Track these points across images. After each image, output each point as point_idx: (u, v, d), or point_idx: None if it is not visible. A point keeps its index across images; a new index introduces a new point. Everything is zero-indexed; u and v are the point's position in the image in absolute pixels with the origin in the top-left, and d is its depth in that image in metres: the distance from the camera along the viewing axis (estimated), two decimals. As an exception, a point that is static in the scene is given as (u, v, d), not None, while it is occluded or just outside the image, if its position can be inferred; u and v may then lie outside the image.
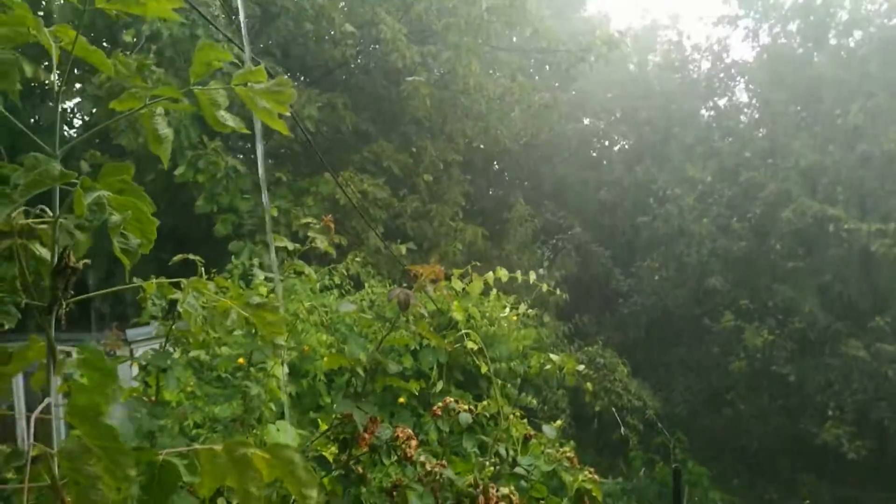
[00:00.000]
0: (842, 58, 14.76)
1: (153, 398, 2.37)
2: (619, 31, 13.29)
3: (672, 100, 16.15)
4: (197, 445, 1.11)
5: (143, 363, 2.48)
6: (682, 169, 14.91)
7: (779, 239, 13.52)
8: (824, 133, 14.20)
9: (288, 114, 1.52)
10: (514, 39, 13.69)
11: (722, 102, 16.75)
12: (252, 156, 11.54)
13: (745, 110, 16.87)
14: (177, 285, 1.80)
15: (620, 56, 17.75)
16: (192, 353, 4.14)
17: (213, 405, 3.85)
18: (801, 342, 13.28)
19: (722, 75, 16.49)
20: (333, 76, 12.92)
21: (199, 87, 1.41)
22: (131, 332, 7.62)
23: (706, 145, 15.40)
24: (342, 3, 12.85)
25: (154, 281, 1.78)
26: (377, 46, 12.52)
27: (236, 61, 1.58)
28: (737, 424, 14.41)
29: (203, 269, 2.65)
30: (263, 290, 5.90)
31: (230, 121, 1.45)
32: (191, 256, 2.71)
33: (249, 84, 1.45)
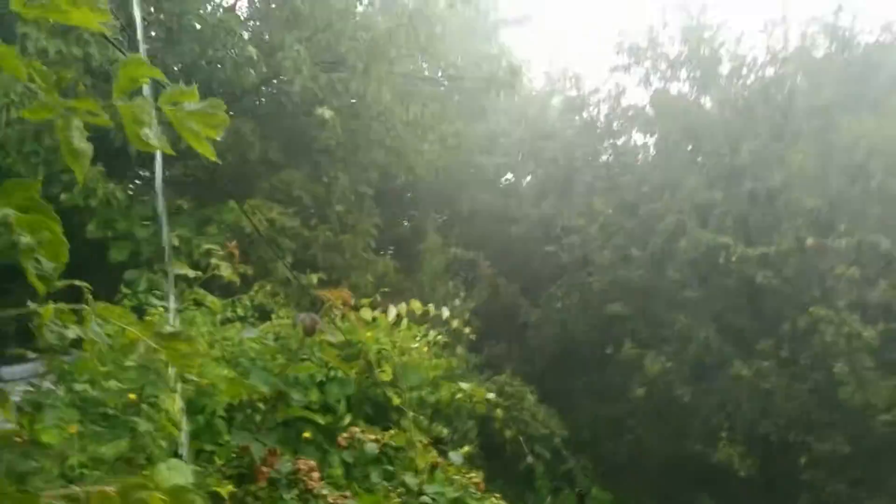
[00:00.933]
0: (728, 102, 16.11)
1: (26, 439, 2.17)
2: (521, 62, 13.88)
3: (574, 140, 17.01)
4: (84, 488, 1.01)
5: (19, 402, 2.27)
6: (586, 203, 15.64)
7: (676, 269, 14.40)
8: (715, 171, 15.37)
9: (218, 138, 1.45)
10: (426, 71, 13.96)
11: (620, 142, 17.80)
12: (152, 181, 11.03)
13: (642, 150, 18.02)
14: (78, 311, 1.65)
15: (525, 99, 18.55)
16: (78, 388, 3.82)
17: (98, 444, 3.56)
18: (696, 368, 14.08)
19: (619, 118, 17.58)
20: (241, 103, 12.66)
21: (125, 103, 1.33)
22: (6, 371, 6.96)
23: (607, 181, 16.27)
24: (249, 24, 12.70)
25: (52, 306, 1.63)
26: (281, 77, 12.41)
27: (166, 81, 1.51)
28: (639, 449, 14.99)
29: (91, 297, 2.46)
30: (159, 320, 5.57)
31: (154, 140, 1.36)
32: (77, 283, 2.52)
33: (179, 104, 1.38)
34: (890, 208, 13.62)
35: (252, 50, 11.14)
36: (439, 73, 14.28)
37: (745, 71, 16.13)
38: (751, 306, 14.23)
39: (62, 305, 1.65)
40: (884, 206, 13.60)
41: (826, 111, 14.72)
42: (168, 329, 1.53)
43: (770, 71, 16.02)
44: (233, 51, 11.57)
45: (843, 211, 13.75)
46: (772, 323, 13.87)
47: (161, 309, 5.66)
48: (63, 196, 8.99)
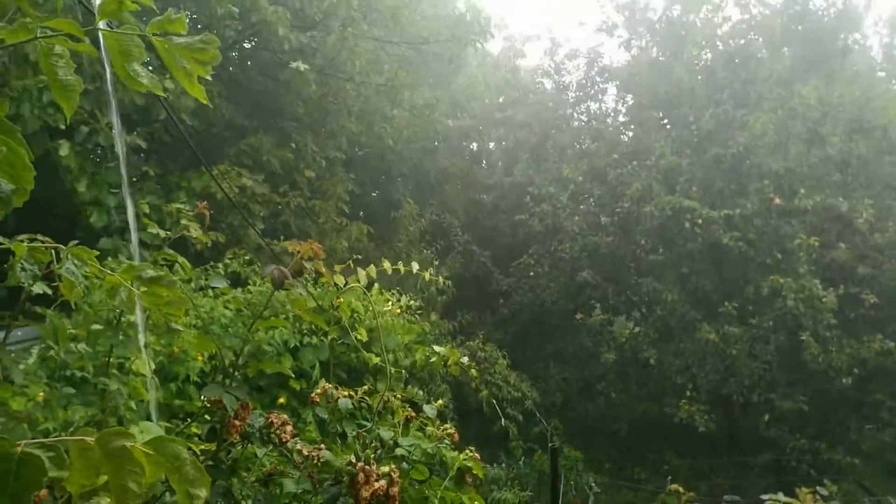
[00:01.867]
0: (695, 69, 16.21)
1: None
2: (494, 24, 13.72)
3: (546, 104, 16.94)
4: (64, 437, 0.98)
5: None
6: (557, 170, 15.69)
7: (643, 235, 14.60)
8: (681, 137, 15.52)
9: (208, 77, 1.35)
10: (395, 36, 13.71)
11: (592, 107, 17.81)
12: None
13: (613, 115, 18.06)
14: (54, 250, 1.55)
15: (496, 62, 18.37)
16: (50, 353, 3.74)
17: (69, 409, 3.52)
18: (663, 330, 14.41)
19: (594, 81, 17.53)
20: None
21: (108, 30, 1.21)
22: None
23: (578, 147, 16.32)
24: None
25: (26, 242, 1.51)
26: (254, 38, 12.07)
27: (153, 7, 1.38)
28: (608, 411, 15.39)
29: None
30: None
31: (144, 78, 1.25)
32: (40, 237, 2.45)
33: (168, 36, 1.27)
34: (848, 173, 13.96)
35: (232, 7, 10.78)
36: (408, 38, 14.03)
37: (714, 40, 16.23)
38: (716, 269, 14.55)
39: (37, 243, 1.56)
40: (842, 172, 13.94)
41: (785, 79, 14.95)
42: (149, 273, 1.45)
43: (735, 41, 16.15)
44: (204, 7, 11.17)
45: (803, 175, 14.04)
46: (736, 286, 14.22)
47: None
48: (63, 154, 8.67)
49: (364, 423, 2.83)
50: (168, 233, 5.66)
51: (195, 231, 5.55)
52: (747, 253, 13.61)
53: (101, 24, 1.27)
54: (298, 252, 2.68)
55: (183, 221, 5.70)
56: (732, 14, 17.22)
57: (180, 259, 6.37)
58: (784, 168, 13.97)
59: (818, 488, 5.10)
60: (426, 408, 2.94)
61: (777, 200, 13.53)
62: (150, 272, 1.47)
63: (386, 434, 2.73)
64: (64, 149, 8.72)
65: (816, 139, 14.12)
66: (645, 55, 17.20)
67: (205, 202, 6.96)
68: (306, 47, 11.18)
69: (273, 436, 2.26)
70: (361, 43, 11.33)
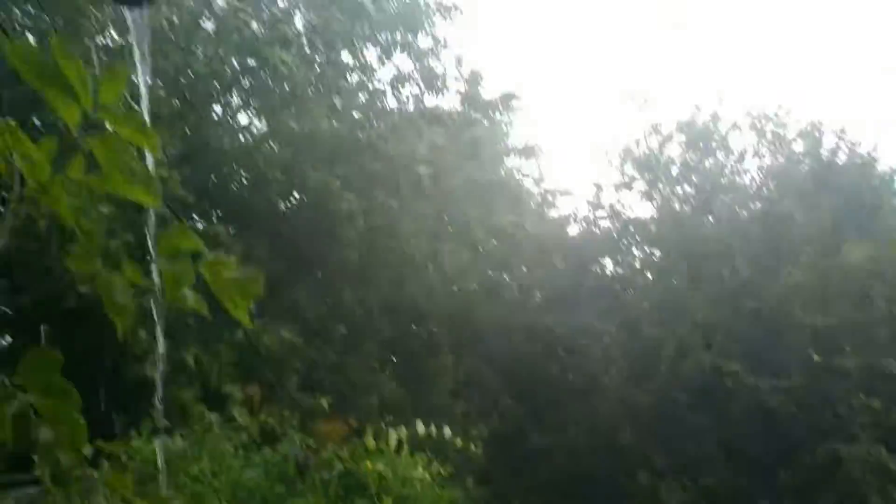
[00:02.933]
0: (724, 222, 16.48)
1: None
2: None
3: (579, 253, 17.23)
4: None
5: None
6: (589, 320, 15.60)
7: (682, 393, 14.08)
8: (715, 290, 15.42)
9: (251, 306, 1.51)
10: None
11: (623, 258, 18.02)
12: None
13: (644, 266, 18.18)
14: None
15: (534, 214, 19.06)
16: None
17: None
18: (713, 499, 13.39)
19: (621, 233, 17.90)
20: (255, 221, 13.02)
21: (166, 266, 1.41)
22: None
23: (610, 297, 16.31)
24: (273, 149, 13.30)
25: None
26: (299, 195, 12.78)
27: (204, 251, 1.61)
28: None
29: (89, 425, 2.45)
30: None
31: (191, 301, 1.44)
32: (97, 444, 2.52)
33: (218, 272, 1.43)
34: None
35: (278, 174, 11.64)
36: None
37: (740, 192, 16.67)
38: (764, 433, 13.76)
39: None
40: (891, 329, 13.53)
41: (819, 236, 15.04)
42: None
43: (763, 193, 16.56)
44: (253, 172, 12.07)
45: (848, 332, 13.65)
46: (788, 452, 13.35)
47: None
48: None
49: None
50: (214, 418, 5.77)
51: (242, 416, 5.68)
52: (797, 415, 12.95)
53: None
54: (324, 434, 2.70)
55: (234, 411, 5.84)
56: (752, 167, 17.80)
57: (214, 424, 6.38)
58: (826, 325, 13.65)
59: None
60: None
61: (816, 357, 13.09)
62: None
63: None
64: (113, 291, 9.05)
65: (863, 298, 13.87)
66: (668, 208, 17.61)
67: (256, 389, 7.11)
68: (352, 214, 11.78)
69: None
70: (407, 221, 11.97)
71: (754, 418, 13.59)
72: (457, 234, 13.70)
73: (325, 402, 10.07)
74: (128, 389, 8.95)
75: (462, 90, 13.93)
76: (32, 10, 10.16)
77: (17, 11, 10.02)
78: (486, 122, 14.52)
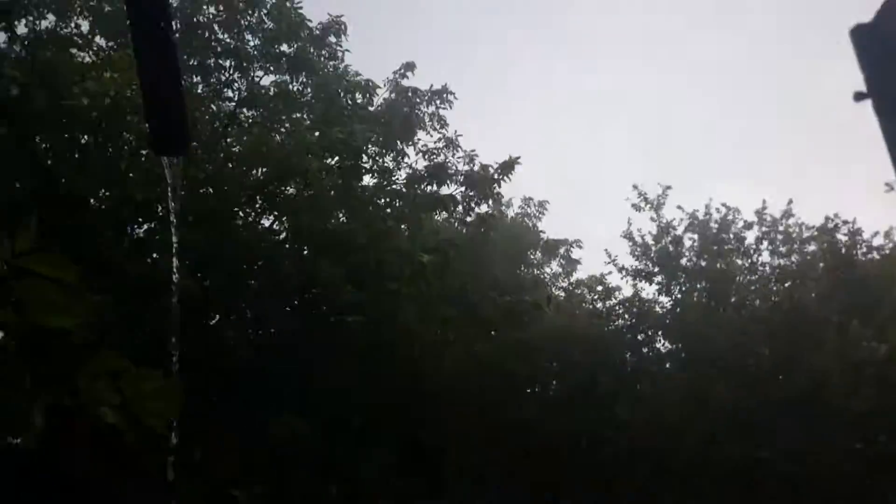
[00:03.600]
0: (743, 313, 16.27)
1: None
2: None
3: (599, 346, 17.04)
4: None
5: None
6: (612, 412, 15.21)
7: (709, 483, 13.42)
8: (740, 379, 14.98)
9: (176, 418, 1.67)
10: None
11: (644, 350, 17.75)
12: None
13: (666, 358, 17.85)
14: None
15: (554, 307, 19.06)
16: None
17: None
18: None
19: (642, 326, 17.74)
20: (272, 319, 13.32)
21: (90, 385, 1.55)
22: None
23: (632, 389, 15.95)
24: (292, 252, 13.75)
25: None
26: (313, 289, 13.09)
27: (132, 370, 1.82)
28: None
29: None
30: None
31: (112, 418, 1.57)
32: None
33: (139, 386, 1.58)
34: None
35: (292, 269, 12.03)
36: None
37: (756, 285, 16.57)
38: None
39: None
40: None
41: (838, 323, 14.75)
42: None
43: (779, 286, 16.45)
44: (268, 269, 12.49)
45: (884, 418, 13.04)
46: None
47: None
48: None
49: None
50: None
51: None
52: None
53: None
54: None
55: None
56: (769, 261, 17.78)
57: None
58: (860, 411, 13.08)
59: None
60: None
61: (858, 445, 12.47)
62: None
63: None
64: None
65: (892, 383, 13.37)
66: (688, 300, 17.52)
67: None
68: (360, 301, 12.01)
69: None
70: (415, 303, 12.14)
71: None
72: (468, 317, 13.64)
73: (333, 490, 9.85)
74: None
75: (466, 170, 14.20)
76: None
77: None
78: (490, 208, 14.61)
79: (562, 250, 20.01)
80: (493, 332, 14.67)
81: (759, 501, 12.96)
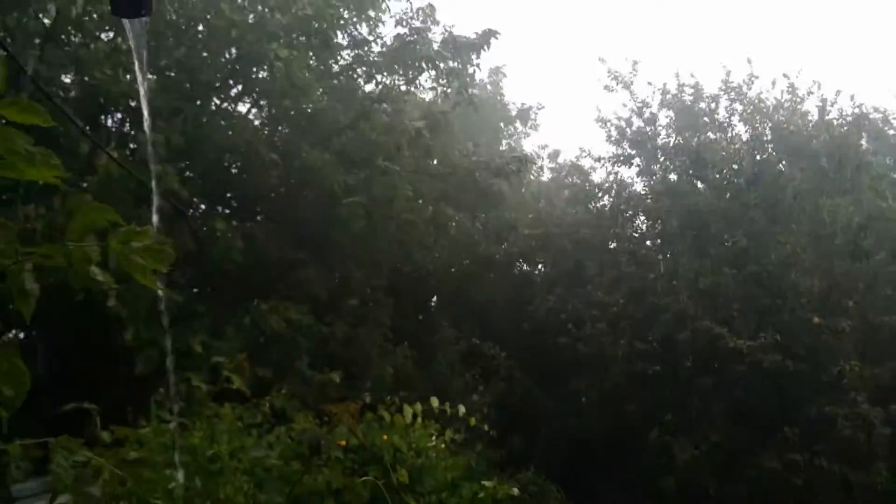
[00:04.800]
0: (721, 189, 16.56)
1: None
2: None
3: (581, 230, 17.37)
4: None
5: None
6: (595, 294, 15.78)
7: (688, 356, 14.28)
8: (717, 256, 15.54)
9: (165, 272, 1.57)
10: (435, 162, 14.45)
11: (626, 231, 18.15)
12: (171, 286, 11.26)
13: (647, 238, 18.32)
14: (44, 445, 1.76)
15: (535, 189, 19.17)
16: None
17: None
18: (721, 457, 13.68)
19: (623, 207, 18.03)
20: (256, 206, 13.12)
21: (76, 245, 1.45)
22: (17, 488, 6.89)
23: (615, 270, 16.45)
24: (272, 135, 13.36)
25: (18, 443, 1.72)
26: (298, 176, 12.87)
27: (121, 222, 1.64)
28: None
29: (98, 418, 2.57)
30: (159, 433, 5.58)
31: (101, 276, 1.48)
32: (85, 405, 2.64)
33: (129, 243, 1.47)
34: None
35: (274, 156, 11.70)
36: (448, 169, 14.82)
37: (735, 160, 16.74)
38: (770, 391, 14.00)
39: (28, 441, 1.77)
40: (892, 287, 13.66)
41: (812, 194, 15.12)
42: (132, 456, 1.63)
43: (753, 158, 16.63)
44: (249, 157, 12.12)
45: (849, 290, 13.78)
46: (794, 407, 13.61)
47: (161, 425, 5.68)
48: (111, 304, 9.19)
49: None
50: (210, 385, 5.88)
51: (236, 381, 5.74)
52: (800, 371, 13.17)
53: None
54: (335, 413, 2.80)
55: (224, 373, 5.92)
56: (742, 132, 17.93)
57: (222, 411, 6.48)
58: (826, 285, 13.79)
59: None
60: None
61: (817, 320, 13.24)
62: (134, 454, 1.67)
63: None
64: (111, 300, 9.20)
65: (858, 252, 13.97)
66: (666, 181, 17.75)
67: (244, 354, 7.14)
68: (352, 187, 11.88)
69: None
70: (402, 185, 12.03)
71: (756, 379, 13.82)
72: (460, 202, 13.73)
73: (336, 377, 10.21)
74: (136, 381, 9.10)
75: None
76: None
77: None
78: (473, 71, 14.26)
79: (531, 116, 20.16)
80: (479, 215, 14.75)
81: (732, 374, 13.86)
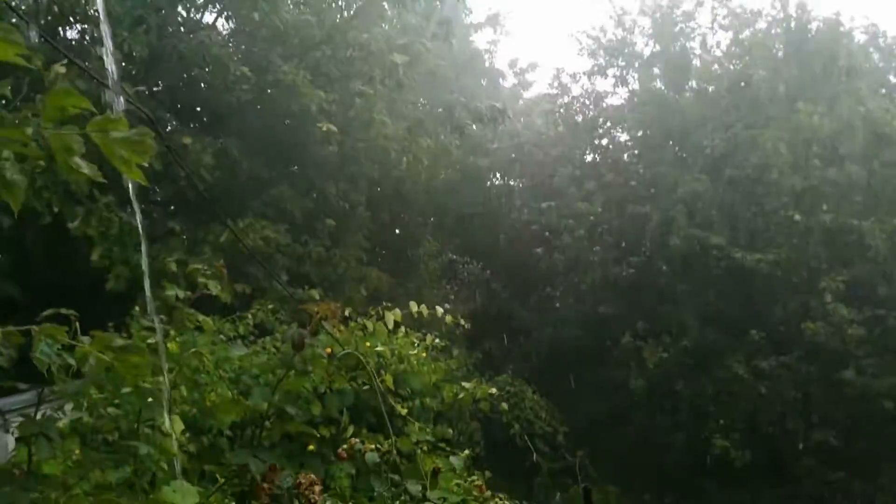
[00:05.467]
0: (700, 96, 16.33)
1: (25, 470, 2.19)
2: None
3: (559, 144, 17.17)
4: None
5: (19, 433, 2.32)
6: (574, 205, 15.78)
7: (664, 262, 14.50)
8: (696, 163, 15.51)
9: (146, 164, 1.47)
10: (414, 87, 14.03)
11: (605, 142, 18.00)
12: (143, 206, 10.99)
13: (627, 148, 18.21)
14: (27, 333, 1.68)
15: (511, 102, 18.77)
16: (73, 417, 3.83)
17: (101, 471, 3.57)
18: (690, 359, 14.20)
19: (601, 119, 17.80)
20: (227, 122, 12.66)
21: (52, 131, 1.34)
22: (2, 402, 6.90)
23: (594, 181, 16.41)
24: (241, 47, 12.75)
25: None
26: (271, 91, 12.42)
27: (93, 110, 1.51)
28: (641, 441, 15.07)
29: (78, 323, 2.48)
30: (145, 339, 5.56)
31: (85, 168, 1.38)
32: (63, 311, 2.54)
33: (109, 132, 1.39)
34: (868, 193, 13.82)
35: (246, 70, 11.19)
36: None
37: (714, 66, 16.42)
38: (743, 294, 14.37)
39: (10, 328, 1.70)
40: (863, 191, 13.81)
41: (790, 97, 14.97)
42: (118, 342, 1.58)
43: (732, 64, 16.32)
44: (218, 71, 11.58)
45: (825, 194, 13.92)
46: (765, 309, 14.01)
47: (143, 332, 5.65)
48: (72, 225, 8.98)
49: (393, 476, 2.84)
50: (189, 293, 5.78)
51: (215, 288, 5.64)
52: (774, 273, 13.46)
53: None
54: (317, 312, 2.73)
55: (201, 280, 5.82)
56: (722, 39, 17.54)
57: (202, 318, 6.45)
58: (802, 187, 13.88)
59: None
60: (453, 459, 2.95)
61: (797, 217, 13.42)
62: (120, 342, 1.61)
63: (414, 488, 2.74)
64: (76, 221, 8.99)
65: (835, 158, 14.01)
66: (644, 89, 17.45)
67: (221, 261, 7.03)
68: (327, 110, 11.48)
69: (302, 497, 2.28)
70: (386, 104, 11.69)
71: (733, 281, 14.13)
72: (436, 118, 13.44)
73: (315, 294, 10.21)
74: (115, 298, 9.03)
75: None
76: None
77: None
78: None
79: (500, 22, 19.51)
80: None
81: (708, 279, 14.11)
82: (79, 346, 1.60)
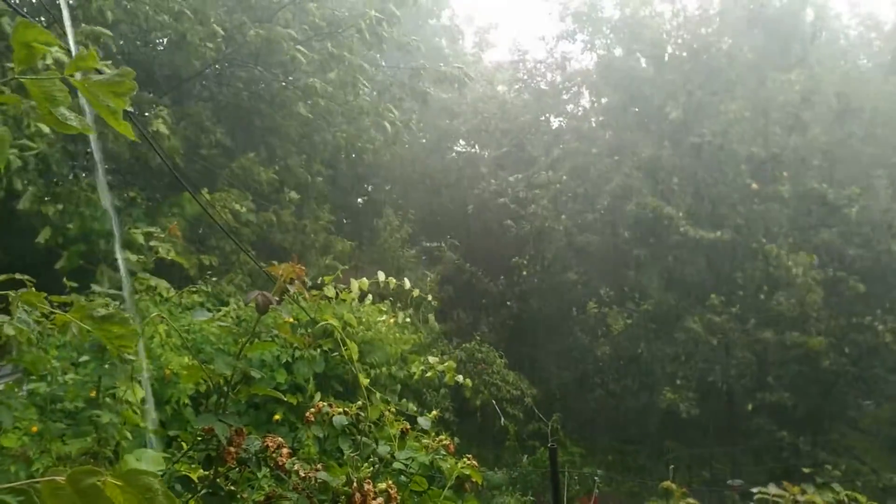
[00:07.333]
0: (662, 62, 16.35)
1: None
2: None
3: (525, 111, 17.06)
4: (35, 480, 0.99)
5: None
6: (538, 173, 15.79)
7: (626, 228, 14.69)
8: (658, 129, 15.61)
9: (129, 109, 1.37)
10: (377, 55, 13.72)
11: (569, 108, 17.94)
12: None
13: (591, 114, 18.20)
14: (3, 299, 1.62)
15: (474, 71, 18.53)
16: (31, 386, 3.72)
17: (62, 443, 3.49)
18: (652, 322, 14.51)
19: (567, 84, 17.70)
20: (184, 87, 12.21)
21: (30, 77, 1.22)
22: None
23: (558, 148, 16.41)
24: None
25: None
26: (235, 52, 12.00)
27: (63, 48, 1.40)
28: (607, 404, 15.46)
29: (34, 290, 2.37)
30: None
31: (74, 121, 1.26)
32: (18, 276, 2.43)
33: (87, 76, 1.27)
34: (832, 158, 14.11)
35: (216, 28, 10.74)
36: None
37: (680, 32, 16.41)
38: (703, 259, 14.66)
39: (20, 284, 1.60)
40: (826, 157, 14.08)
41: (754, 65, 15.09)
42: (100, 311, 1.49)
43: (697, 31, 16.34)
44: (188, 28, 11.10)
45: (786, 160, 14.16)
46: (723, 273, 14.34)
47: (105, 298, 5.50)
48: (20, 206, 8.65)
49: (361, 438, 2.82)
50: (142, 258, 5.60)
51: (168, 252, 5.46)
52: (734, 240, 13.74)
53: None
54: (281, 274, 2.66)
55: (153, 244, 5.64)
56: (689, 4, 17.53)
57: (157, 283, 6.26)
58: (764, 154, 14.09)
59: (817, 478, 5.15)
60: (421, 420, 2.94)
61: (754, 186, 13.66)
62: (101, 311, 1.53)
63: (383, 449, 2.72)
64: (24, 201, 8.66)
65: (798, 125, 14.22)
66: (609, 55, 17.41)
67: (175, 223, 6.83)
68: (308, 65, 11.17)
69: (269, 459, 2.25)
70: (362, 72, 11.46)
71: (693, 246, 14.39)
72: (399, 84, 13.24)
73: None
74: (76, 272, 8.76)
75: None
76: None
77: None
78: None
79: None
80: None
81: (670, 244, 14.33)
82: (58, 314, 1.51)
